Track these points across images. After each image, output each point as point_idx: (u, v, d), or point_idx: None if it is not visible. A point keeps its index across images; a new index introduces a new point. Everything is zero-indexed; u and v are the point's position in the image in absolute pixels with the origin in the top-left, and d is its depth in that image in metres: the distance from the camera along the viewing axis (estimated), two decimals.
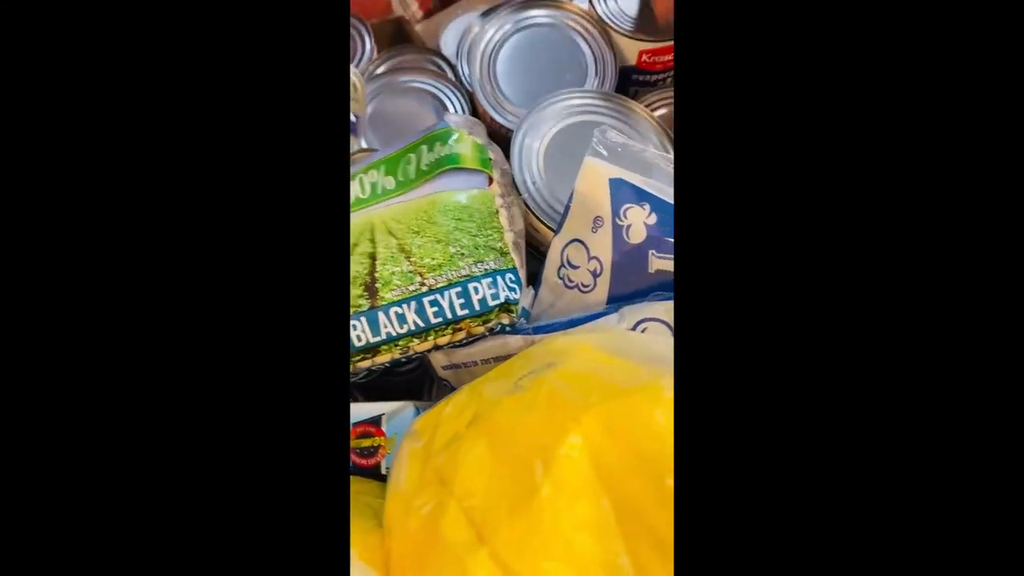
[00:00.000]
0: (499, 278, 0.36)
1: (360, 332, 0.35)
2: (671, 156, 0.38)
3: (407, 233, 0.35)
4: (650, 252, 0.34)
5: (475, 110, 0.51)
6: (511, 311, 0.37)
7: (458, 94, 0.53)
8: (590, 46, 0.50)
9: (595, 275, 0.36)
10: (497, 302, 0.36)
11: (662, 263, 0.34)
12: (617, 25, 0.50)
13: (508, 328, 0.37)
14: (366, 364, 0.36)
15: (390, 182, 0.38)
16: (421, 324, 0.35)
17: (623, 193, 0.35)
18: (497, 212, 0.38)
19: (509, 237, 0.38)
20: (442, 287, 0.35)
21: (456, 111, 0.52)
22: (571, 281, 0.38)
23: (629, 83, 0.52)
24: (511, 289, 0.36)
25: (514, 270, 0.37)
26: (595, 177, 0.36)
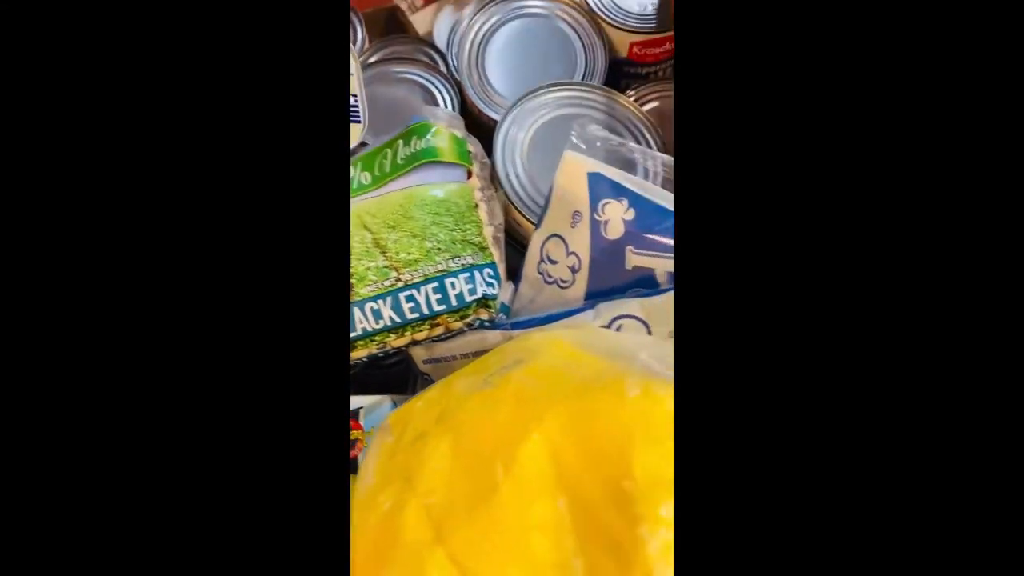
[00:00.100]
0: (476, 273, 0.36)
1: None
2: (653, 152, 0.38)
3: (382, 228, 0.35)
4: (627, 248, 0.34)
5: (465, 102, 0.51)
6: (489, 306, 0.36)
7: (448, 86, 0.52)
8: (580, 37, 0.49)
9: (574, 270, 0.36)
10: (474, 297, 0.35)
11: (640, 259, 0.34)
12: (609, 16, 0.49)
13: (487, 323, 0.37)
14: None
15: (366, 177, 0.38)
16: (397, 319, 0.35)
17: (601, 188, 0.35)
18: (476, 206, 0.37)
19: (489, 231, 0.37)
20: (418, 282, 0.35)
21: (446, 103, 0.51)
22: (550, 276, 0.37)
23: (621, 75, 0.52)
24: (489, 284, 0.36)
25: (492, 265, 0.37)
26: (574, 171, 0.36)
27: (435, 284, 0.35)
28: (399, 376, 0.48)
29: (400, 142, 0.38)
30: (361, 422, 0.37)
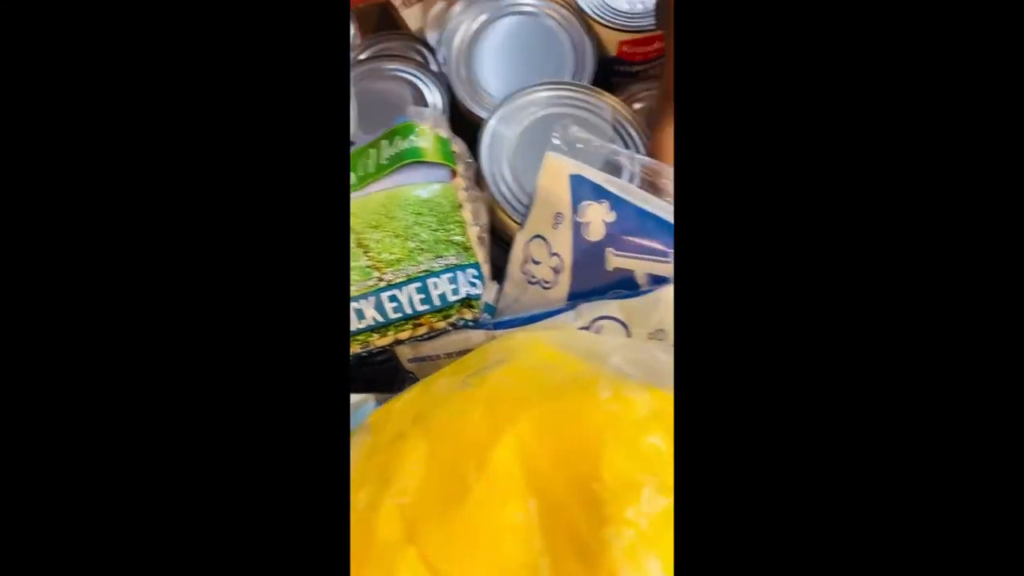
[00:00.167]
0: (459, 273, 0.36)
1: None
2: (632, 153, 0.38)
3: (365, 228, 0.35)
4: (607, 250, 0.34)
5: (453, 99, 0.51)
6: (473, 306, 0.37)
7: (439, 84, 0.52)
8: (570, 35, 0.49)
9: (556, 271, 0.36)
10: (457, 297, 0.36)
11: (620, 261, 0.34)
12: (597, 15, 0.49)
13: (471, 323, 0.37)
14: None
15: (351, 178, 0.38)
16: (380, 319, 0.35)
17: (583, 190, 0.35)
18: (461, 206, 0.38)
19: (473, 231, 0.38)
20: (401, 282, 0.35)
21: (436, 101, 0.52)
22: (534, 277, 0.38)
23: (611, 74, 0.52)
24: (472, 285, 0.36)
25: (476, 265, 0.37)
26: (556, 172, 0.36)
27: (418, 284, 0.35)
28: (387, 374, 0.48)
29: (384, 142, 0.38)
30: None
